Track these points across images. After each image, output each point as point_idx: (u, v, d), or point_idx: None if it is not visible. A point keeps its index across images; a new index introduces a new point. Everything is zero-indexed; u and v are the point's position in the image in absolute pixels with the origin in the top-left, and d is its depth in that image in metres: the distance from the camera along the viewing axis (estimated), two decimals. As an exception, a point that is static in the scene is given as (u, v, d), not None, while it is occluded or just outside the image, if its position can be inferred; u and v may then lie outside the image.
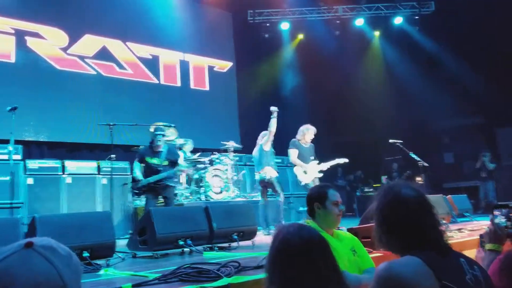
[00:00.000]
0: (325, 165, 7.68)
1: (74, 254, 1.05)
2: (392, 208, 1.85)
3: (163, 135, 6.95)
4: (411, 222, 1.79)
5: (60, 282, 0.96)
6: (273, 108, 7.59)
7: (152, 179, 6.66)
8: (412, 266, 1.65)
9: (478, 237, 2.43)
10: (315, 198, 3.01)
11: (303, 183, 7.53)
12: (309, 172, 7.53)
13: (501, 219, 2.28)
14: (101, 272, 3.87)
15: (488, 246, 2.28)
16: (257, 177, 7.63)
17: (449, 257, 1.75)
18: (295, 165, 7.67)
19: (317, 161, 7.70)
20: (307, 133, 7.71)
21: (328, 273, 1.54)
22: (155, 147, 6.84)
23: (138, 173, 6.77)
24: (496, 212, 2.30)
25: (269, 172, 7.42)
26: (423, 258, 1.66)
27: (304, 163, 7.55)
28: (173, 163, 6.94)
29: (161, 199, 7.13)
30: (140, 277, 3.48)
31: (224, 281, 3.06)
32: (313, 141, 7.83)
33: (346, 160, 7.88)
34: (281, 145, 10.11)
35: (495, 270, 1.90)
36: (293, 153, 7.63)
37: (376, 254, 3.52)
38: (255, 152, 7.85)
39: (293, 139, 7.76)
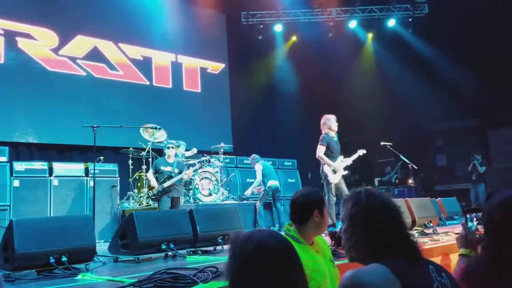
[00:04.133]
0: (349, 160, 7.38)
1: None
2: (359, 216, 1.81)
3: (173, 147, 7.88)
4: (378, 230, 1.76)
5: None
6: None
7: (167, 183, 7.50)
8: (378, 274, 1.62)
9: None
10: (315, 205, 2.75)
11: (332, 184, 7.14)
12: (338, 171, 7.24)
13: (473, 223, 2.24)
14: (79, 277, 3.81)
15: (460, 250, 2.25)
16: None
17: (417, 264, 1.72)
18: (324, 164, 7.22)
19: (343, 156, 7.38)
20: (330, 123, 7.36)
21: (303, 282, 1.50)
22: (168, 157, 7.76)
23: (154, 182, 7.61)
24: (468, 216, 2.26)
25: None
26: (390, 266, 1.64)
27: (332, 161, 7.18)
28: (180, 173, 7.77)
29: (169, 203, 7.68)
30: (116, 282, 3.43)
31: (200, 287, 3.01)
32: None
33: (365, 151, 7.58)
34: (274, 147, 10.17)
35: (457, 278, 1.87)
36: (321, 150, 7.21)
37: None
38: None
39: (324, 135, 7.31)
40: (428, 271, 1.71)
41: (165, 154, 7.86)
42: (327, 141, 7.26)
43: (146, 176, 8.00)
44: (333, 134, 7.42)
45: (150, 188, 7.58)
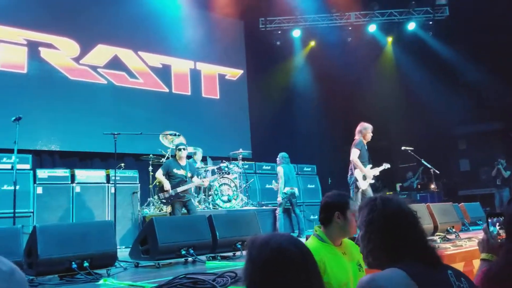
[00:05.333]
0: (376, 171, 7.40)
1: (17, 270, 1.03)
2: (375, 222, 1.81)
3: (185, 149, 7.57)
4: (395, 235, 1.75)
5: None
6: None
7: (180, 188, 7.27)
8: (396, 278, 1.62)
9: None
10: (337, 207, 2.80)
11: (361, 189, 7.18)
12: (367, 178, 7.28)
13: (495, 228, 2.20)
14: (101, 282, 3.86)
15: (482, 255, 2.21)
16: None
17: (436, 269, 1.71)
18: (355, 167, 7.25)
19: (371, 165, 7.40)
20: (366, 132, 7.40)
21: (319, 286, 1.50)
22: (180, 159, 7.48)
23: (167, 184, 7.26)
24: (490, 221, 2.23)
25: None
26: (407, 270, 1.63)
27: (363, 167, 7.23)
28: (192, 176, 7.57)
29: (184, 210, 7.47)
30: (137, 287, 3.46)
31: (219, 292, 3.02)
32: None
33: (389, 165, 7.59)
34: (293, 153, 10.14)
35: (477, 282, 1.84)
36: (356, 153, 7.23)
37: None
38: None
39: (360, 140, 7.37)
40: (446, 275, 1.70)
41: (175, 156, 7.61)
42: (361, 146, 7.30)
43: (155, 176, 7.61)
44: (365, 143, 7.44)
45: (163, 191, 7.30)
